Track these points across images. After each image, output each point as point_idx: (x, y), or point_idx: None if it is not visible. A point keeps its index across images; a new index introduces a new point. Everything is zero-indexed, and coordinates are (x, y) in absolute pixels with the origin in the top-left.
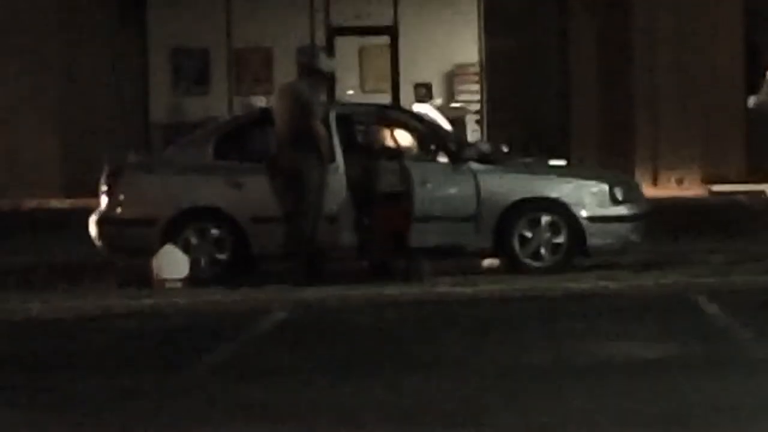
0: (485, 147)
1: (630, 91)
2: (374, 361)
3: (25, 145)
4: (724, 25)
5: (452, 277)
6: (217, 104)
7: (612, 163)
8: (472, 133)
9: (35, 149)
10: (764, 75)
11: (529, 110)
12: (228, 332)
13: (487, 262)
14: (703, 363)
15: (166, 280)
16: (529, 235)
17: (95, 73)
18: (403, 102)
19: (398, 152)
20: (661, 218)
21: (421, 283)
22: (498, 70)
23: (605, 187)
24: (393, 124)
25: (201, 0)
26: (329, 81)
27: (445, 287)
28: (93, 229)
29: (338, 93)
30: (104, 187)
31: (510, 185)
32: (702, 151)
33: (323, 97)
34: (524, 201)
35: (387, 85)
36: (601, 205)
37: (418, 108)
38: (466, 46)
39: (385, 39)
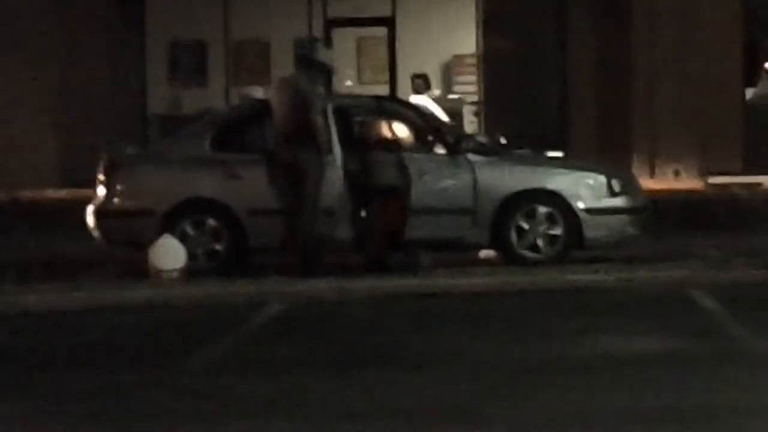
0: (482, 139)
1: (628, 83)
2: (371, 355)
3: (22, 137)
4: (723, 21)
5: (449, 269)
6: (214, 96)
7: (609, 155)
8: (470, 125)
9: (33, 141)
10: (764, 68)
11: (526, 102)
12: (224, 325)
13: (485, 254)
14: (700, 358)
15: (162, 271)
16: (526, 226)
17: (93, 65)
18: (401, 93)
19: (396, 145)
20: (658, 211)
21: (418, 275)
22: (496, 61)
23: (602, 179)
24: (390, 116)
25: None
26: (328, 73)
27: (442, 280)
28: (90, 221)
29: (336, 85)
30: (102, 179)
31: (507, 177)
32: (700, 144)
33: (321, 90)
34: (522, 193)
35: (385, 77)
36: (598, 197)
37: (416, 99)
38: (464, 38)
39: (382, 30)
